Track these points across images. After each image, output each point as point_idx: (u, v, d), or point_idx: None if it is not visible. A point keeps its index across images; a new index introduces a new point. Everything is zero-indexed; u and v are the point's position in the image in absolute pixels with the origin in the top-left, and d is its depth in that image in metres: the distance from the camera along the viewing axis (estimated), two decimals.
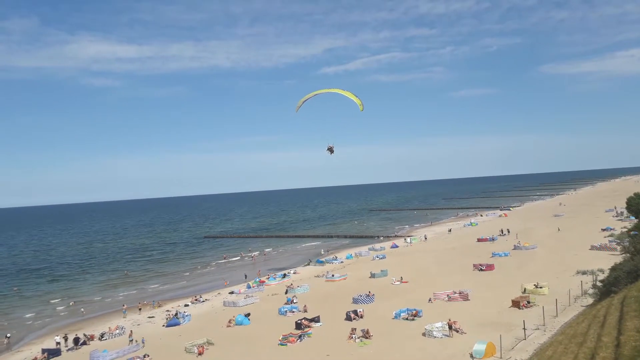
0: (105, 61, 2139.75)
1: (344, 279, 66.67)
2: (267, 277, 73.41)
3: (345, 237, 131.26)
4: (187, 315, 51.39)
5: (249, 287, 66.37)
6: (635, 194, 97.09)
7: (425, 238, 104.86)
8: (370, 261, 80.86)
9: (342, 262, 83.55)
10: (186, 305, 58.89)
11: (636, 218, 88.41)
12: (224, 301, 58.64)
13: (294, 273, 75.76)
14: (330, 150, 39.44)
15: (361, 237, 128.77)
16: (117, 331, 47.71)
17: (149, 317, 54.71)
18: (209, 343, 40.46)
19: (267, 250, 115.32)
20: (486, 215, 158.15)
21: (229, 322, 47.26)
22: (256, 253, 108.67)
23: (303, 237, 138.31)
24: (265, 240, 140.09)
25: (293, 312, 49.54)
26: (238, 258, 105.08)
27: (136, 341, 42.85)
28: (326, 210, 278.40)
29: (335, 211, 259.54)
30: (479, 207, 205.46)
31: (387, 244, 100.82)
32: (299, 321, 43.42)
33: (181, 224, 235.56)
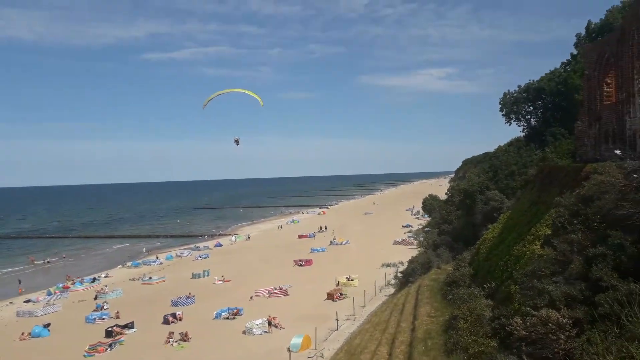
0: None
1: (163, 281, 63.42)
2: (73, 282, 65.82)
3: (167, 236, 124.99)
4: None
5: (49, 294, 58.60)
6: (429, 195, 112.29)
7: (248, 237, 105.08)
8: (192, 261, 78.42)
9: (161, 263, 79.33)
10: None
11: (429, 216, 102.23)
12: (17, 311, 50.81)
13: (106, 277, 69.33)
14: (237, 142, 39.34)
15: (184, 236, 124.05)
16: None
17: None
18: None
19: (72, 251, 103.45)
20: (307, 213, 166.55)
21: (23, 334, 41.09)
22: (60, 258, 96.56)
23: (119, 237, 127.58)
24: (72, 240, 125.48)
25: (103, 319, 45.37)
26: (41, 262, 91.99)
27: None
28: (147, 207, 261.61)
29: (157, 209, 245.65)
30: (301, 205, 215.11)
31: (211, 243, 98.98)
32: (110, 329, 39.91)
33: None
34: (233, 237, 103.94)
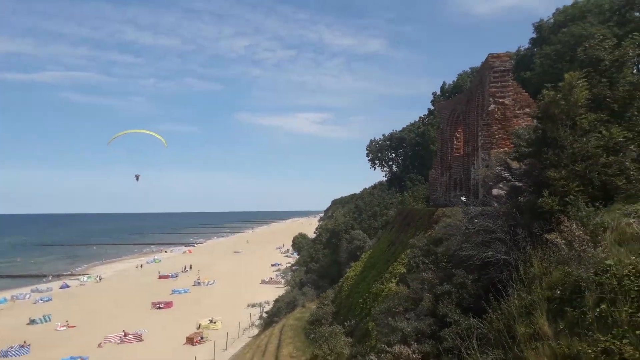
0: None
1: None
2: None
3: (1, 276, 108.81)
4: None
5: None
6: (299, 233, 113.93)
7: (99, 278, 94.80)
8: (31, 305, 68.87)
9: None
10: None
11: (299, 254, 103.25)
12: None
13: None
14: (137, 178, 40.35)
15: (23, 276, 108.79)
16: None
17: None
18: None
19: None
20: (171, 252, 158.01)
21: None
22: None
23: None
24: None
25: None
26: None
27: None
28: None
29: None
30: (165, 243, 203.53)
31: (56, 284, 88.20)
32: None
33: None
34: (84, 278, 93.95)
